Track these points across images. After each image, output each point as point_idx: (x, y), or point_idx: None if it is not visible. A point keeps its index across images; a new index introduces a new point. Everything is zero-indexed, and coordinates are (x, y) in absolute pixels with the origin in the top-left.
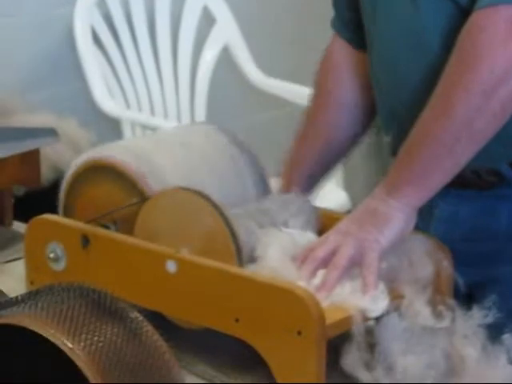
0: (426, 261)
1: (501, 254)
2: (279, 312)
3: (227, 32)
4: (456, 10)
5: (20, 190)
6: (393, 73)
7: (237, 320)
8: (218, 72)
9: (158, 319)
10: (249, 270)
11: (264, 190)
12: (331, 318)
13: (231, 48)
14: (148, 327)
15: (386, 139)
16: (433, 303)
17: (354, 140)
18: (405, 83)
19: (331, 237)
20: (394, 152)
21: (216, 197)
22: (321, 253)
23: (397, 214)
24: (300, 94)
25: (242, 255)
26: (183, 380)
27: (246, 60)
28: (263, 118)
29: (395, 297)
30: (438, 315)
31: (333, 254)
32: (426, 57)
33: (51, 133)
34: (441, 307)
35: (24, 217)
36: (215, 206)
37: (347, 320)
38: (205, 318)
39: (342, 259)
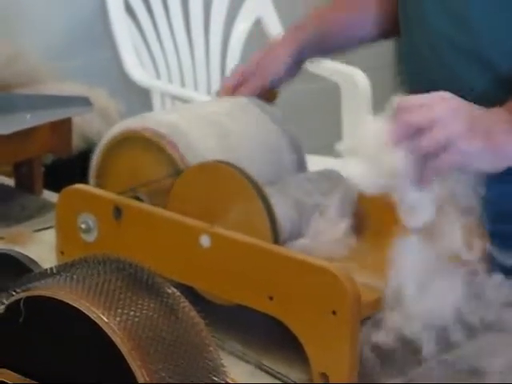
0: (471, 195)
1: None
2: (314, 290)
3: (260, 5)
4: None
5: (48, 158)
6: (424, 36)
7: (270, 298)
8: (249, 45)
9: (189, 293)
10: (284, 247)
11: (302, 167)
12: (365, 297)
13: (264, 21)
14: (185, 303)
15: None
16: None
17: (364, 40)
18: (438, 51)
19: (436, 107)
20: None
21: (253, 172)
22: (418, 119)
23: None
24: (331, 68)
25: (278, 232)
26: (220, 358)
27: (278, 32)
28: (294, 92)
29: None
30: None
31: (429, 126)
32: (467, 33)
33: (84, 102)
34: (474, 238)
35: (52, 185)
36: (252, 181)
37: (380, 300)
38: (238, 295)
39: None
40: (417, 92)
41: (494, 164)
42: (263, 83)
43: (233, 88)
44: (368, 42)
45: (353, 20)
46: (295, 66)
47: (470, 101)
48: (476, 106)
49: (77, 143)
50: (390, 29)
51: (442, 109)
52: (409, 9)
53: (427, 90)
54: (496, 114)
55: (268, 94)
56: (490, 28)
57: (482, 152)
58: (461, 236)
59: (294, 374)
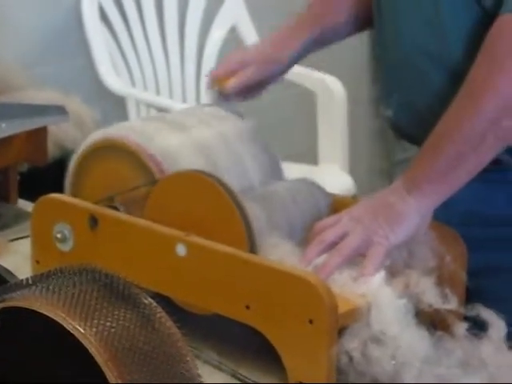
0: (428, 255)
1: (501, 240)
2: (291, 299)
3: (235, 13)
4: (480, 14)
5: (23, 167)
6: (397, 45)
7: (247, 307)
8: (224, 52)
9: (165, 303)
10: (260, 256)
11: (278, 175)
12: (342, 307)
13: (239, 29)
14: (162, 314)
15: (386, 113)
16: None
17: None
18: (410, 60)
19: (343, 220)
20: (394, 128)
21: (229, 181)
22: (329, 236)
23: (412, 215)
24: (307, 76)
25: (254, 241)
26: (196, 368)
27: (254, 41)
28: (268, 99)
29: (400, 281)
30: (444, 297)
31: (340, 238)
32: (439, 40)
33: (60, 111)
34: (447, 289)
35: (27, 194)
36: (228, 190)
37: (358, 310)
38: (214, 304)
39: (347, 248)
40: (388, 100)
41: (418, 224)
42: (262, 74)
43: (225, 76)
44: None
45: (340, 19)
46: (303, 54)
47: (435, 104)
48: (376, 196)
49: (52, 151)
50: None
51: (346, 221)
52: (382, 7)
53: (398, 91)
54: (389, 193)
55: (257, 88)
56: (462, 35)
57: (396, 226)
58: (433, 287)
59: (271, 383)
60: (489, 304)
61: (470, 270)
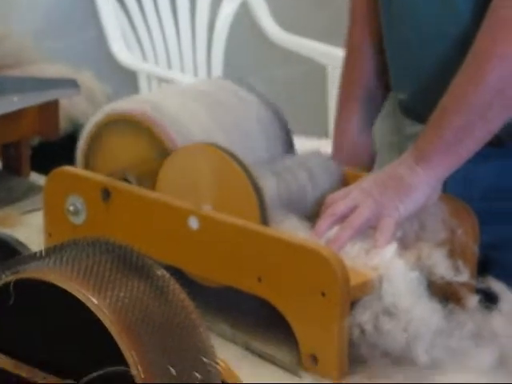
0: (439, 227)
1: None
2: (303, 272)
3: None
4: None
5: (34, 141)
6: (414, 29)
7: (259, 279)
8: (235, 26)
9: (178, 276)
10: (272, 229)
11: (289, 147)
12: (354, 280)
13: (250, 3)
14: (175, 285)
15: (399, 96)
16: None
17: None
18: (428, 42)
19: (353, 193)
20: (407, 110)
21: (240, 153)
22: (340, 208)
23: (422, 186)
24: (318, 50)
25: (267, 213)
26: (210, 340)
27: (265, 15)
28: (280, 74)
29: (412, 254)
30: (455, 269)
31: (351, 211)
32: (455, 20)
33: (71, 84)
34: (459, 262)
35: (38, 168)
36: (239, 163)
37: (370, 283)
38: (227, 277)
39: (358, 220)
40: (403, 84)
41: (428, 195)
42: None
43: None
44: None
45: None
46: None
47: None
48: (385, 168)
49: (63, 125)
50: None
51: (357, 193)
52: (394, 7)
53: (414, 82)
54: (398, 165)
55: None
56: (476, 15)
57: (405, 198)
58: (445, 260)
59: (283, 355)
60: (501, 278)
61: (484, 244)
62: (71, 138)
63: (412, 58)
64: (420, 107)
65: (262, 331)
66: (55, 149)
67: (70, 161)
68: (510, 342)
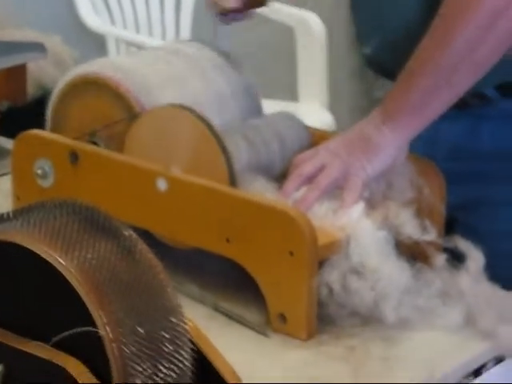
0: (406, 186)
1: (483, 175)
2: (271, 232)
3: None
4: None
5: (3, 105)
6: None
7: (228, 240)
8: None
9: (146, 237)
10: (241, 190)
11: (258, 110)
12: (322, 240)
13: None
14: (142, 245)
15: (364, 51)
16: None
17: None
18: (400, 4)
19: (320, 154)
20: (372, 65)
21: (210, 114)
22: (307, 169)
23: (389, 146)
24: (285, 12)
25: (235, 176)
26: (177, 299)
27: None
28: (247, 36)
29: (379, 213)
30: (423, 228)
31: (319, 171)
32: None
33: (39, 48)
34: (426, 221)
35: (7, 133)
36: (207, 124)
37: (338, 242)
38: (195, 238)
39: (325, 180)
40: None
41: (395, 155)
42: None
43: None
44: None
45: None
46: None
47: (416, 38)
48: (352, 128)
49: (32, 90)
50: None
51: (324, 154)
52: None
53: (380, 35)
54: (366, 125)
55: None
56: None
57: (373, 158)
58: (412, 219)
59: (252, 315)
60: (467, 237)
61: (451, 204)
62: (40, 103)
63: (377, 7)
64: (386, 62)
65: (231, 292)
66: (24, 114)
67: (39, 126)
68: (477, 300)
